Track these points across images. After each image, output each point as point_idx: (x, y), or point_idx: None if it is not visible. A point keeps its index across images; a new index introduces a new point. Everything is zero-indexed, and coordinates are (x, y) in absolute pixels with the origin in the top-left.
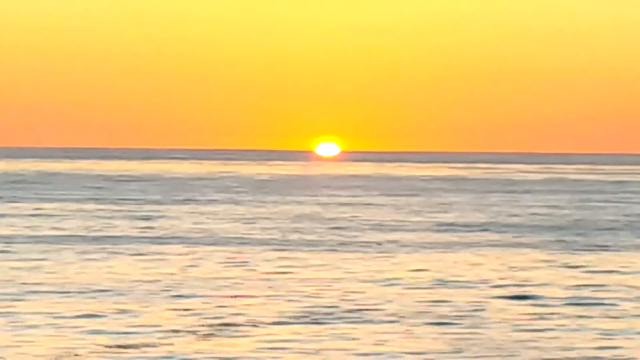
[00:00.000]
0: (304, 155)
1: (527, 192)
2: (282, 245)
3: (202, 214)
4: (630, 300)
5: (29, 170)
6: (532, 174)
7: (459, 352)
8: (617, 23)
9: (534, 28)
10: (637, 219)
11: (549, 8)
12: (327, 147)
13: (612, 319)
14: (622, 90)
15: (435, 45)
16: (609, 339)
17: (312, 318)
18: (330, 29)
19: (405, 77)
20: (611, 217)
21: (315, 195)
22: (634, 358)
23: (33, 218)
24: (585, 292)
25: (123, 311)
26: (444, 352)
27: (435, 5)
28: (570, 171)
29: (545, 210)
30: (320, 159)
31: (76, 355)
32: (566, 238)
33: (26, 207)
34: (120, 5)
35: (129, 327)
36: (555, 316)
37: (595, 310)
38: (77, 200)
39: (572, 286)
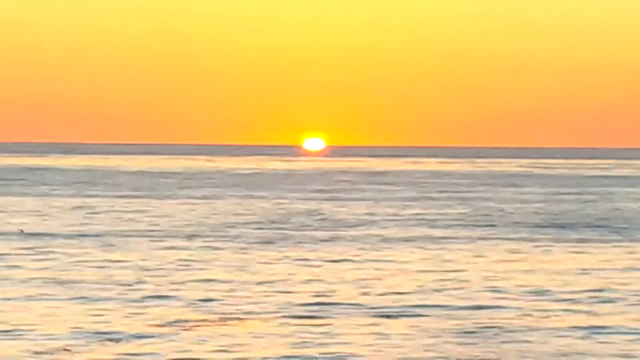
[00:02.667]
0: (292, 150)
1: (512, 186)
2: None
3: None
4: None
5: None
6: (525, 169)
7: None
8: (614, 19)
9: (522, 21)
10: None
11: (546, 3)
12: (314, 142)
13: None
14: (621, 85)
15: (422, 41)
16: None
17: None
18: (320, 27)
19: (393, 73)
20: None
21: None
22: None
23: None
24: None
25: (116, 306)
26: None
27: (420, 2)
28: (557, 166)
29: (524, 205)
30: (308, 153)
31: (65, 349)
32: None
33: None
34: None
35: (119, 321)
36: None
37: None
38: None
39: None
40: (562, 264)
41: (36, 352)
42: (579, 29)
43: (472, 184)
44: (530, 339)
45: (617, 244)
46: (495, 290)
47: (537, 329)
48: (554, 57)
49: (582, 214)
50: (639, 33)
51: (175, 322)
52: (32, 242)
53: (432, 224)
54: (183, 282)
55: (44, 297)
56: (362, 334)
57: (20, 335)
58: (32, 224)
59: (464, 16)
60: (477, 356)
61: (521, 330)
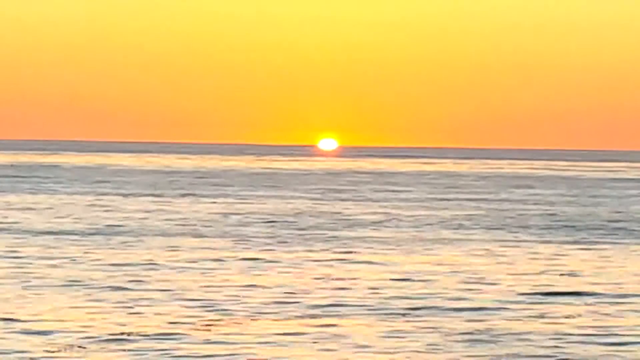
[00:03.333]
0: (307, 150)
1: (527, 187)
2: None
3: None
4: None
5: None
6: (538, 171)
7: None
8: (615, 18)
9: (532, 22)
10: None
11: (547, 3)
12: (328, 142)
13: None
14: (620, 85)
15: (438, 41)
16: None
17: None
18: (330, 26)
19: (402, 73)
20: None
21: None
22: None
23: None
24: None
25: (123, 303)
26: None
27: (431, 1)
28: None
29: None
30: (321, 154)
31: (80, 347)
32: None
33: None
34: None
35: (128, 318)
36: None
37: None
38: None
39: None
40: (573, 265)
41: (47, 351)
42: (588, 27)
43: (484, 185)
44: (535, 340)
45: (631, 246)
46: (504, 291)
47: (545, 332)
48: (567, 56)
49: (594, 216)
50: None
51: (184, 322)
52: (43, 240)
53: (442, 225)
54: (191, 282)
55: (56, 294)
56: (369, 335)
57: (32, 332)
58: (42, 222)
59: (480, 14)
60: (484, 357)
61: (528, 333)
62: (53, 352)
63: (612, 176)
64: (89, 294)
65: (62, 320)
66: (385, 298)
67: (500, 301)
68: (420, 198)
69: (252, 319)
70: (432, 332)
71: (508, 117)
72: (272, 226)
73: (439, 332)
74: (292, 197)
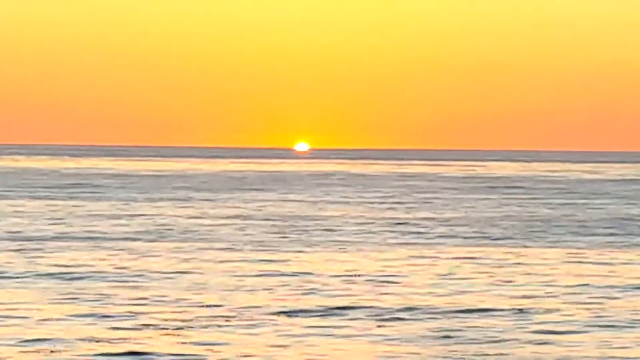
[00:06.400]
0: (280, 153)
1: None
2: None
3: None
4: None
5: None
6: (521, 172)
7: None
8: (598, 18)
9: (506, 23)
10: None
11: (525, 4)
12: (301, 145)
13: None
14: (608, 86)
15: (413, 43)
16: None
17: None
18: (309, 27)
19: (375, 75)
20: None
21: None
22: None
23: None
24: None
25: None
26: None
27: (403, 3)
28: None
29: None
30: (292, 156)
31: (52, 351)
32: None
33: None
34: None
35: (105, 319)
36: None
37: None
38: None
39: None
40: (564, 270)
41: (22, 351)
42: (577, 28)
43: (461, 188)
44: (516, 344)
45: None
46: (486, 294)
47: (524, 336)
48: (544, 57)
49: (585, 219)
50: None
51: (162, 324)
52: (24, 245)
53: (420, 227)
54: (171, 285)
55: (32, 298)
56: (349, 336)
57: (5, 333)
58: (24, 227)
59: (455, 16)
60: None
61: (511, 337)
62: (26, 352)
63: (601, 177)
64: (77, 297)
65: (38, 323)
66: (369, 300)
67: (484, 307)
68: (395, 200)
69: (231, 320)
70: (414, 334)
71: (487, 118)
72: (239, 230)
73: (421, 334)
74: (252, 201)
